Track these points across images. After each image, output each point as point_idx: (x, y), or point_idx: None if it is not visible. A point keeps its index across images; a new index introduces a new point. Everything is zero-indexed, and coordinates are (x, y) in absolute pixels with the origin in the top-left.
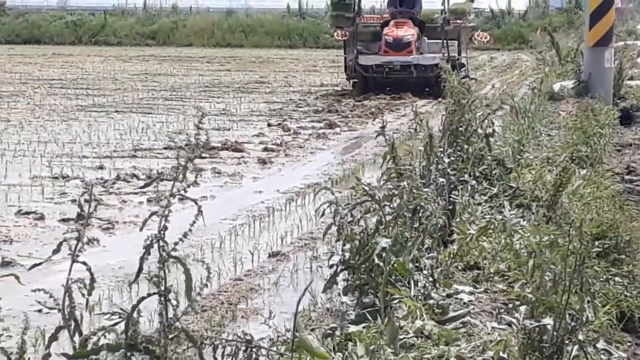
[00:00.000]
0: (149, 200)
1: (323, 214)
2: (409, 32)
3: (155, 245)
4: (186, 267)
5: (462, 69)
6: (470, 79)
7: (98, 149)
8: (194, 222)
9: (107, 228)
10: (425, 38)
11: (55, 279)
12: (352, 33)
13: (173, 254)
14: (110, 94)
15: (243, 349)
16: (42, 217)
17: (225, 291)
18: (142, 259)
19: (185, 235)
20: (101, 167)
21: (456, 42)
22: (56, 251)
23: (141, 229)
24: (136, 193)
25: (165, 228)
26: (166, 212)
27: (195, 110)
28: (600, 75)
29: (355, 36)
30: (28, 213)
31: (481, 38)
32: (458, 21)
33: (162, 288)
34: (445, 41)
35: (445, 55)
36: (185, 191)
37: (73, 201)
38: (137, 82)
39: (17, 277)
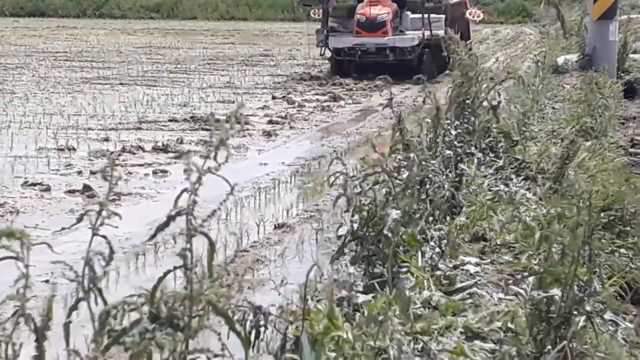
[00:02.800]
0: (154, 172)
1: (332, 184)
2: (383, 10)
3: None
4: (212, 242)
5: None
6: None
7: (103, 121)
8: (225, 200)
9: (112, 200)
10: (409, 13)
11: (61, 249)
12: (322, 10)
13: (200, 229)
14: (115, 67)
15: (251, 316)
16: (48, 189)
17: (231, 262)
18: (158, 229)
19: (214, 212)
20: (107, 139)
21: (442, 17)
22: (79, 220)
23: (174, 205)
24: (142, 165)
25: (195, 202)
26: (196, 187)
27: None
28: (604, 49)
29: (326, 14)
30: (34, 184)
31: (474, 16)
32: None
33: (189, 262)
34: (427, 19)
35: (427, 34)
36: (217, 169)
37: (79, 173)
38: (141, 55)
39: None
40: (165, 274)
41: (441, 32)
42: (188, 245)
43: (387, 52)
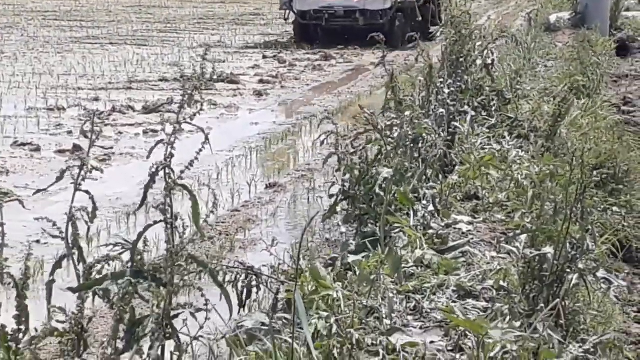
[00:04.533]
0: (145, 132)
1: (323, 143)
2: None
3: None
4: (193, 194)
5: (426, 14)
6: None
7: (93, 80)
8: (201, 150)
9: (103, 160)
10: None
11: (52, 209)
12: None
13: (179, 182)
14: (105, 26)
15: (243, 276)
16: (38, 149)
17: (222, 222)
18: (147, 187)
19: (191, 163)
20: (96, 99)
21: None
22: (59, 179)
23: (148, 157)
24: (132, 125)
25: (172, 155)
26: (172, 140)
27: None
28: (596, 7)
29: None
30: (24, 144)
31: None
32: None
33: (169, 216)
34: None
35: None
36: (192, 119)
37: (69, 133)
38: (131, 14)
39: (21, 202)
40: (146, 228)
41: None
42: (167, 200)
43: (357, 15)
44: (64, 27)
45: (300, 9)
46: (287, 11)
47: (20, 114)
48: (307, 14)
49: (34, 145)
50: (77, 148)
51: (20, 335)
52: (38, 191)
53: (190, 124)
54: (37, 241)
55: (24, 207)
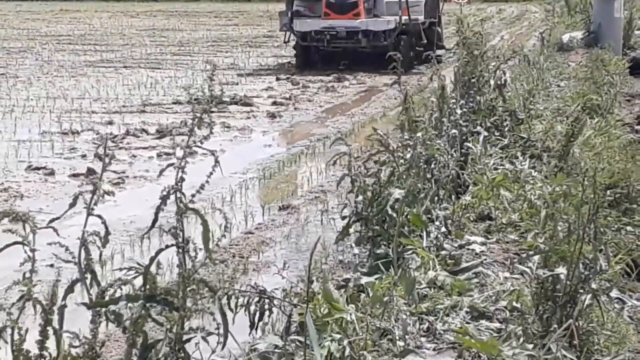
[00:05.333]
0: (158, 155)
1: (335, 163)
2: None
3: (172, 197)
4: (204, 219)
5: (431, 37)
6: (447, 49)
7: (107, 104)
8: (211, 173)
9: (116, 183)
10: None
11: (66, 233)
12: None
13: (190, 205)
14: (118, 50)
15: (256, 299)
16: (52, 173)
17: (236, 245)
18: (158, 210)
19: (202, 186)
20: (110, 123)
21: (422, 1)
22: (72, 205)
23: (158, 177)
24: (146, 148)
25: (182, 179)
26: (183, 164)
27: (207, 65)
28: (609, 26)
29: None
30: (38, 168)
31: None
32: None
33: (180, 240)
34: (405, 2)
35: (405, 19)
36: (202, 143)
37: (83, 156)
38: (145, 37)
39: (55, 230)
40: (158, 252)
41: (420, 17)
42: (179, 224)
43: (360, 36)
44: (78, 51)
45: (301, 30)
46: (287, 33)
47: (34, 138)
48: (308, 36)
49: (48, 169)
50: (91, 172)
51: None
52: (52, 220)
53: (200, 147)
54: (51, 265)
55: (57, 234)
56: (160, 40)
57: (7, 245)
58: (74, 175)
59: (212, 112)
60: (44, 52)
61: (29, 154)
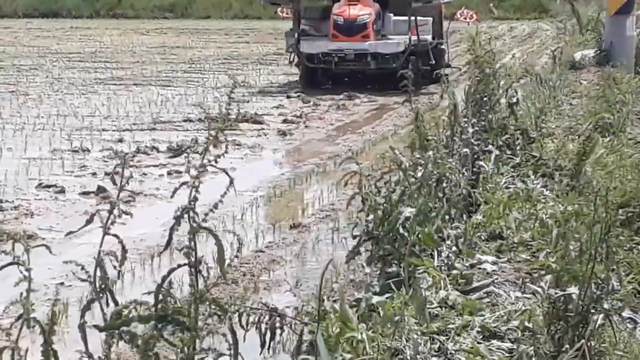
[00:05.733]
0: (169, 173)
1: (346, 184)
2: (364, 10)
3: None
4: (218, 239)
5: (438, 57)
6: (453, 67)
7: (117, 122)
8: (225, 193)
9: (127, 201)
10: (391, 15)
11: (77, 251)
12: (293, 10)
13: (203, 224)
14: (129, 67)
15: (267, 318)
16: (62, 191)
17: (247, 263)
18: (172, 230)
19: (215, 206)
20: (121, 140)
21: (430, 20)
22: (89, 222)
23: (171, 196)
24: (156, 166)
25: (196, 199)
26: (197, 183)
27: (230, 79)
28: (621, 44)
29: (297, 14)
30: (48, 186)
31: (466, 17)
32: None
33: (193, 259)
34: (414, 21)
35: (414, 39)
36: (216, 161)
37: (93, 174)
38: (155, 55)
39: (48, 247)
40: (169, 272)
41: (429, 38)
42: (191, 244)
43: (368, 59)
44: (89, 68)
45: (308, 52)
46: (293, 54)
47: (44, 155)
48: (315, 57)
49: (58, 187)
50: (101, 190)
51: None
52: (69, 233)
53: (215, 166)
54: (62, 283)
55: (50, 252)
56: (171, 57)
57: (2, 267)
58: (85, 193)
59: (223, 130)
60: (54, 69)
61: (39, 171)
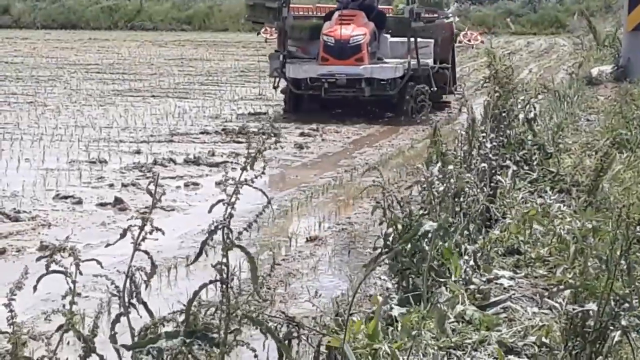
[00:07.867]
0: (186, 185)
1: (362, 196)
2: (358, 30)
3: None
4: (251, 256)
5: (442, 82)
6: (456, 94)
7: (135, 133)
8: (261, 213)
9: (143, 212)
10: (388, 36)
11: (95, 263)
12: (278, 29)
13: (236, 242)
14: (147, 79)
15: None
16: (79, 202)
17: (262, 275)
18: (203, 244)
19: (250, 225)
20: (138, 152)
21: (432, 42)
22: (122, 236)
23: (209, 211)
24: (173, 177)
25: (231, 216)
26: (233, 199)
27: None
28: (639, 60)
29: (283, 34)
30: (66, 197)
31: (470, 39)
32: (432, 15)
33: (225, 275)
34: (413, 43)
35: (413, 63)
36: (253, 182)
37: (111, 186)
38: (173, 67)
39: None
40: (201, 287)
41: (430, 62)
42: (224, 260)
43: (363, 85)
44: (107, 80)
45: (294, 77)
46: (278, 79)
47: (62, 166)
48: (302, 83)
49: (75, 198)
50: (118, 201)
51: None
52: (108, 245)
53: (251, 186)
54: (79, 294)
55: (102, 267)
56: (188, 69)
57: (46, 273)
58: (102, 205)
59: (239, 142)
60: (72, 80)
61: (56, 182)
